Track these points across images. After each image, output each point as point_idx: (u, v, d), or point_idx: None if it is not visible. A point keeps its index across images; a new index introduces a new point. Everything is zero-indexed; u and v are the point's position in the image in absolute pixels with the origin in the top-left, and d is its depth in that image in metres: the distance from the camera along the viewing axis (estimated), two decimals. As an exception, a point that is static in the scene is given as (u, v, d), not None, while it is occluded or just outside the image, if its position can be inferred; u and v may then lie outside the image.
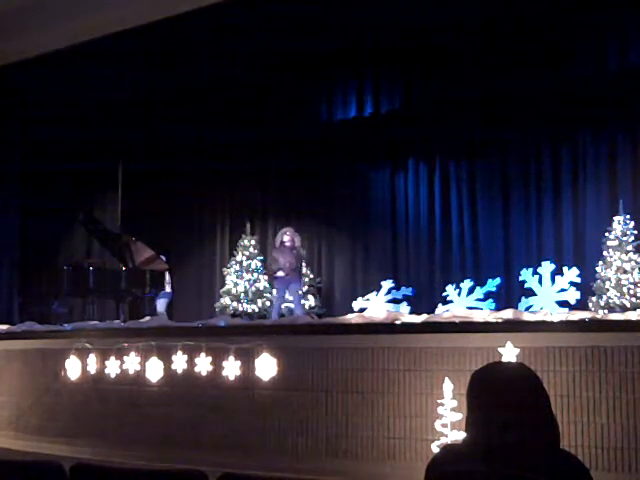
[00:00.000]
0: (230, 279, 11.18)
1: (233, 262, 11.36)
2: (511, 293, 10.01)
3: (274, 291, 11.10)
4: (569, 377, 5.60)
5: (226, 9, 8.93)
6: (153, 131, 11.33)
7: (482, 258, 10.65)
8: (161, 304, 11.02)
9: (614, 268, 8.73)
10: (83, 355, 7.72)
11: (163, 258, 10.71)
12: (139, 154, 11.94)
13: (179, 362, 7.12)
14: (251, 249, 11.32)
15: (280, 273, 9.43)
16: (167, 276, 11.10)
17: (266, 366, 6.66)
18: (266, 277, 11.29)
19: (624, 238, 8.89)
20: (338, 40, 9.05)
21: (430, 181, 11.24)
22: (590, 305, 8.77)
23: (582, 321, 5.96)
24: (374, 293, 10.66)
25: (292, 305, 10.22)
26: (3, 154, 11.41)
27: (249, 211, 12.21)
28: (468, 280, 10.22)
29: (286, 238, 9.66)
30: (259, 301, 11.02)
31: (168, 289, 11.15)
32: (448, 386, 5.87)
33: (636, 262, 8.76)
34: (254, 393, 6.74)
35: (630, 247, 8.83)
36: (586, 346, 5.61)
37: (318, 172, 11.77)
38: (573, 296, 9.30)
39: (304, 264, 10.48)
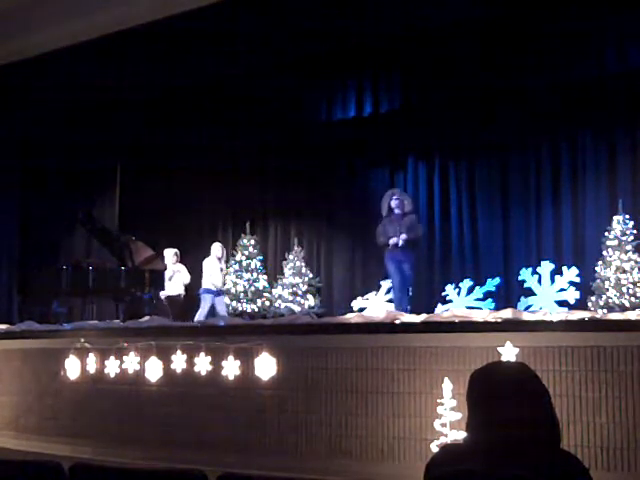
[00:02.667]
0: (230, 279, 11.17)
1: (233, 262, 11.36)
2: (510, 293, 10.01)
3: (274, 290, 11.10)
4: (568, 377, 5.61)
5: (226, 9, 8.93)
6: (152, 131, 11.32)
7: (481, 258, 10.65)
8: (220, 303, 10.50)
9: (613, 268, 8.73)
10: (83, 355, 7.72)
11: (175, 252, 10.56)
12: (138, 154, 11.95)
13: (178, 362, 7.12)
14: (251, 249, 11.31)
15: (393, 241, 8.24)
16: (219, 268, 10.52)
17: (266, 366, 6.66)
18: (266, 277, 11.29)
19: (623, 238, 8.89)
20: (338, 40, 9.04)
21: (429, 181, 11.25)
22: (589, 305, 8.77)
23: (581, 321, 5.96)
24: (373, 293, 10.67)
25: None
26: (3, 154, 11.41)
27: (249, 211, 12.21)
28: (467, 280, 10.23)
29: (394, 203, 8.48)
30: (258, 301, 11.02)
31: (210, 285, 10.41)
32: (447, 386, 5.87)
33: (635, 262, 8.76)
34: (254, 393, 6.74)
35: (629, 247, 8.83)
36: (585, 346, 5.62)
37: (318, 172, 11.77)
38: (572, 296, 9.30)
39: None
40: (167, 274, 10.50)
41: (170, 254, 10.66)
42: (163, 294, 10.53)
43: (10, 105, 10.85)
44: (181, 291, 10.65)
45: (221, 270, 10.65)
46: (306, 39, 9.01)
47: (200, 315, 10.11)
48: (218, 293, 10.49)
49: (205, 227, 12.82)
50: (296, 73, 9.90)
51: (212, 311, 10.33)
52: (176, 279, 10.54)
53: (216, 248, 10.60)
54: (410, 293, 8.67)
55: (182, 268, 10.74)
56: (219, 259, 10.59)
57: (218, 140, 11.37)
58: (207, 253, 11.20)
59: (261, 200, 12.46)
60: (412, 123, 10.72)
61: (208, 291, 10.38)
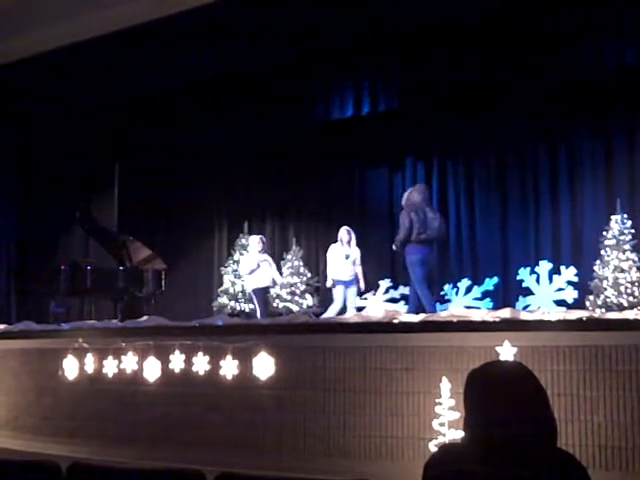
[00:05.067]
0: (228, 278, 11.16)
1: (230, 261, 11.35)
2: (509, 292, 10.01)
3: (272, 290, 11.08)
4: (566, 376, 5.61)
5: (224, 8, 8.94)
6: (150, 130, 11.31)
7: (480, 257, 10.65)
8: (352, 295, 9.34)
9: (611, 267, 8.74)
10: (80, 355, 7.71)
11: (260, 239, 9.89)
12: (136, 153, 11.94)
13: (176, 361, 7.12)
14: (249, 248, 11.31)
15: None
16: (344, 255, 9.31)
17: (264, 365, 6.66)
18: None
19: (621, 237, 8.90)
20: (335, 39, 9.04)
21: (428, 180, 11.23)
22: (587, 304, 8.77)
23: (580, 320, 5.97)
24: (372, 292, 10.67)
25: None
26: (1, 153, 11.41)
27: (247, 210, 12.21)
28: (466, 279, 10.23)
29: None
30: (256, 300, 11.00)
31: (339, 276, 9.31)
32: (446, 385, 5.87)
33: (633, 261, 8.77)
34: (252, 392, 6.74)
35: (627, 246, 8.84)
36: (584, 345, 5.62)
37: (315, 171, 11.77)
38: (570, 295, 9.32)
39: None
40: (251, 264, 9.79)
41: (255, 242, 9.98)
42: (249, 287, 9.89)
43: (8, 104, 10.84)
44: (269, 283, 9.94)
45: (347, 257, 9.35)
46: (304, 38, 9.01)
47: (333, 310, 9.19)
48: (348, 284, 9.35)
49: (203, 226, 12.80)
50: (294, 72, 9.90)
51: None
52: (263, 270, 9.79)
53: (342, 232, 9.49)
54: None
55: (269, 258, 10.03)
56: (347, 242, 9.42)
57: (216, 139, 11.36)
58: (206, 252, 11.03)
59: (259, 200, 12.45)
60: (410, 123, 10.72)
61: (339, 282, 9.31)
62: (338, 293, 9.28)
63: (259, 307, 9.79)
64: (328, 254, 9.51)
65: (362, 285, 9.50)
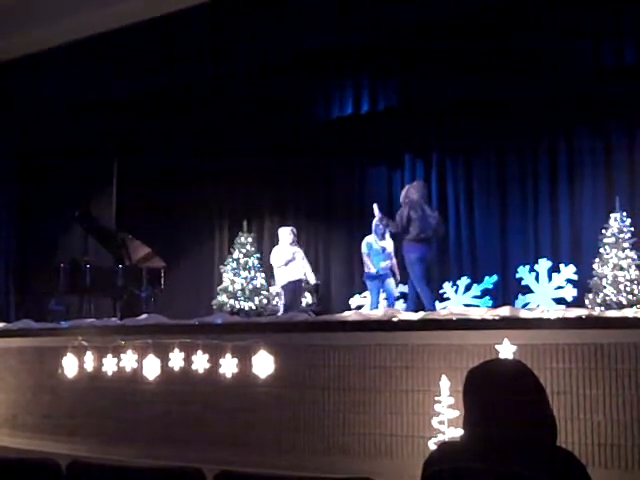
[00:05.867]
0: (227, 276, 11.15)
1: (230, 259, 11.34)
2: (508, 290, 10.01)
3: (272, 288, 11.08)
4: (566, 374, 5.61)
5: (223, 7, 8.92)
6: (149, 128, 11.31)
7: (479, 255, 10.65)
8: (389, 285, 9.01)
9: (611, 265, 8.73)
10: (80, 353, 7.71)
11: (291, 231, 9.60)
12: (135, 151, 11.93)
13: (176, 360, 7.12)
14: (248, 246, 11.29)
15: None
16: (380, 247, 8.95)
17: (263, 363, 6.66)
18: (263, 275, 11.27)
19: (620, 235, 8.88)
20: (335, 37, 9.04)
21: (427, 178, 11.22)
22: (587, 302, 8.76)
23: (579, 318, 5.98)
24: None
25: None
26: (0, 151, 11.40)
27: (246, 208, 12.20)
28: (465, 277, 10.23)
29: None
30: (256, 299, 10.99)
31: (372, 269, 8.95)
32: (445, 383, 5.88)
33: (632, 259, 8.76)
34: (251, 390, 6.74)
35: (626, 244, 8.82)
36: (583, 343, 5.63)
37: (315, 169, 11.76)
38: (570, 293, 9.32)
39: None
40: (283, 257, 9.53)
41: (285, 233, 9.70)
42: (282, 280, 9.59)
43: (8, 103, 10.83)
44: (302, 276, 9.65)
45: (383, 251, 9.01)
46: (303, 37, 9.00)
47: (370, 306, 8.95)
48: (384, 277, 9.03)
49: (202, 225, 12.80)
50: (293, 71, 9.89)
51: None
52: (297, 262, 9.53)
53: (376, 224, 9.10)
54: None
55: (301, 251, 9.75)
56: (382, 235, 9.09)
57: (215, 138, 11.36)
58: (206, 251, 10.97)
59: (258, 198, 12.44)
60: (409, 120, 10.71)
61: (370, 276, 9.04)
62: (373, 288, 9.04)
63: (288, 302, 9.43)
64: (362, 247, 9.18)
65: (398, 277, 9.25)
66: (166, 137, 11.43)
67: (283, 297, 9.86)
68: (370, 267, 9.03)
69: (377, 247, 9.07)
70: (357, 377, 6.34)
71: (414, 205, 8.33)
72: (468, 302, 9.78)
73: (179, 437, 7.01)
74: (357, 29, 8.89)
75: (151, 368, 7.26)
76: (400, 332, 6.36)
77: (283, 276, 9.67)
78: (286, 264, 9.58)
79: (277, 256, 9.82)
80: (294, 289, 9.66)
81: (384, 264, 9.04)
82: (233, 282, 11.05)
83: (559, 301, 9.24)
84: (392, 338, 6.30)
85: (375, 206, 8.92)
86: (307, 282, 10.13)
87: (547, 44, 8.74)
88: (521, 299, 9.54)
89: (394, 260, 9.25)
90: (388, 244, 9.20)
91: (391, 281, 9.14)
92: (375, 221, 9.05)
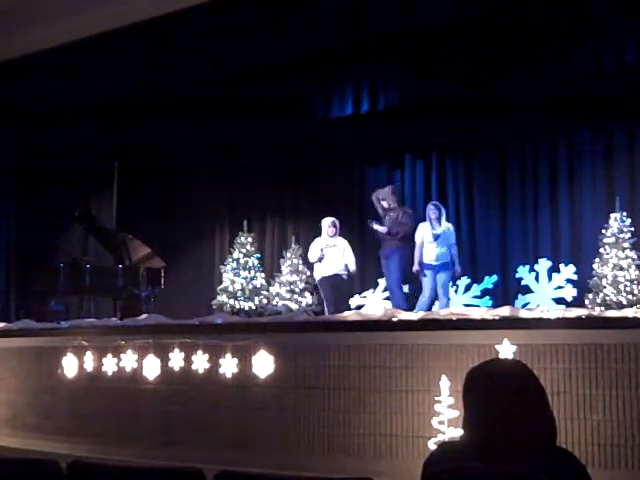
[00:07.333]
0: (227, 276, 11.15)
1: (230, 259, 11.34)
2: (508, 290, 10.01)
3: (272, 288, 11.08)
4: (565, 374, 5.62)
5: (223, 7, 8.92)
6: (149, 129, 11.31)
7: (479, 255, 10.64)
8: (443, 280, 8.42)
9: (610, 265, 8.73)
10: (80, 353, 7.71)
11: (332, 222, 9.15)
12: (136, 152, 11.93)
13: (176, 360, 7.12)
14: (248, 246, 11.29)
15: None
16: (432, 236, 8.40)
17: (263, 363, 6.66)
18: (263, 274, 11.27)
19: (621, 235, 8.89)
20: (335, 37, 9.03)
21: (427, 178, 11.24)
22: (587, 302, 8.76)
23: (579, 318, 5.98)
24: (371, 290, 10.67)
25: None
26: (0, 152, 11.39)
27: (246, 208, 12.19)
28: (465, 277, 10.23)
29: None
30: (256, 299, 10.99)
31: (437, 260, 8.39)
32: (445, 383, 5.88)
33: (632, 259, 8.77)
34: (251, 390, 6.74)
35: (627, 244, 8.83)
36: (583, 343, 5.63)
37: (315, 169, 11.75)
38: (570, 293, 9.32)
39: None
40: (314, 254, 9.09)
41: (326, 224, 9.20)
42: (317, 276, 9.12)
43: (6, 104, 10.83)
44: (338, 271, 9.00)
45: (435, 239, 8.37)
46: (303, 37, 9.00)
47: (422, 302, 8.38)
48: (439, 268, 8.41)
49: (202, 225, 12.79)
50: (293, 71, 9.89)
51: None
52: (333, 256, 8.99)
53: (430, 208, 8.71)
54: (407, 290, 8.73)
55: (343, 243, 9.14)
56: (437, 219, 8.51)
57: (215, 138, 11.35)
58: (206, 251, 10.92)
59: (258, 198, 12.43)
60: (409, 120, 10.71)
61: (426, 267, 8.43)
62: (427, 280, 8.43)
63: (327, 298, 8.97)
64: (416, 235, 8.60)
65: (458, 268, 8.65)
66: (166, 137, 11.42)
67: (322, 294, 9.33)
68: (422, 257, 8.48)
69: (430, 235, 8.45)
70: (357, 377, 6.34)
71: (390, 209, 8.80)
72: (468, 302, 9.78)
73: (179, 437, 7.01)
74: (357, 28, 8.89)
75: (151, 368, 7.26)
76: (400, 332, 6.36)
77: (317, 272, 9.18)
78: (319, 260, 9.07)
79: (310, 252, 9.31)
80: (330, 284, 8.98)
81: (438, 254, 8.41)
82: (233, 282, 11.05)
83: (559, 301, 9.24)
84: (392, 338, 6.31)
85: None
86: (348, 275, 9.27)
87: (547, 44, 8.74)
88: (521, 299, 9.54)
89: (455, 248, 8.67)
90: (444, 230, 8.54)
91: (443, 275, 8.47)
92: (431, 208, 8.62)
